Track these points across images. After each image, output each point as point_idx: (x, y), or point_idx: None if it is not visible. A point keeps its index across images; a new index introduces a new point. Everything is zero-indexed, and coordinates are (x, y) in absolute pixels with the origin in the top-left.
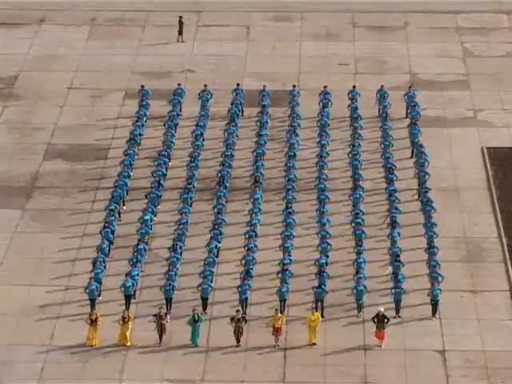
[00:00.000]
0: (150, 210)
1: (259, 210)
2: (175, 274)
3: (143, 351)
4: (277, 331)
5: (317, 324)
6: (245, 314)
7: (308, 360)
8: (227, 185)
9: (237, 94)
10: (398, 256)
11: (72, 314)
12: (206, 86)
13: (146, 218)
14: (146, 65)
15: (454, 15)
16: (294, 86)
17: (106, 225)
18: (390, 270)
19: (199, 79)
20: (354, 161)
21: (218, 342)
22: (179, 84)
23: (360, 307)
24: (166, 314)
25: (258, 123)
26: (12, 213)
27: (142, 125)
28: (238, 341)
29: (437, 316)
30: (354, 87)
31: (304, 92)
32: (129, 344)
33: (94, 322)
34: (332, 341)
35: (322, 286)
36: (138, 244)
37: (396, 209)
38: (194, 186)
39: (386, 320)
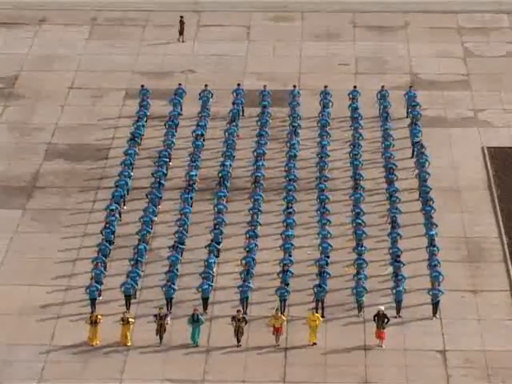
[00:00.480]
0: (151, 210)
1: (259, 210)
2: (176, 274)
3: (144, 351)
4: (277, 331)
5: (317, 324)
6: (245, 313)
7: (308, 360)
8: (228, 185)
9: (237, 94)
10: (399, 256)
11: (72, 313)
12: (206, 85)
13: (146, 218)
14: (147, 65)
15: (454, 15)
16: (295, 86)
17: (107, 225)
18: (390, 269)
19: (200, 79)
20: (355, 161)
21: (219, 342)
22: (180, 84)
23: (360, 307)
24: (166, 315)
25: (259, 123)
26: (12, 213)
27: (143, 125)
28: (239, 341)
29: (437, 316)
30: (355, 87)
31: (304, 92)
32: (129, 344)
33: (94, 323)
34: (332, 341)
35: (323, 286)
36: (138, 244)
37: (396, 209)
38: (194, 186)
39: (386, 320)
